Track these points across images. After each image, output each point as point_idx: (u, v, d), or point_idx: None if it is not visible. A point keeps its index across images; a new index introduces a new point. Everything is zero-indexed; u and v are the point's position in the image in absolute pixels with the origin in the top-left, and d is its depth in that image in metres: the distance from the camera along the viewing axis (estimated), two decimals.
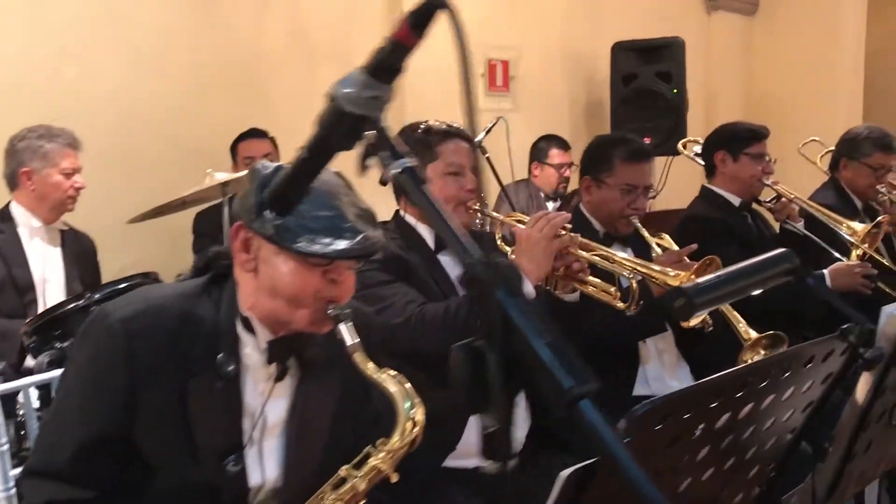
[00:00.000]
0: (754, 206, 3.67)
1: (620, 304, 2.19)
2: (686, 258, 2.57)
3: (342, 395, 1.73)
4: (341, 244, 1.55)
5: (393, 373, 1.60)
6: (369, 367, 1.58)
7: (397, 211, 2.51)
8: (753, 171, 3.50)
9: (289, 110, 4.76)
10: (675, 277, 2.23)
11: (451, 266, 2.40)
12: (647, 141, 6.00)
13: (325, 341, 1.67)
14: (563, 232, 2.27)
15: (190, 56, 4.36)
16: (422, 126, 2.46)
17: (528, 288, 2.12)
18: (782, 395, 1.27)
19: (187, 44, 4.35)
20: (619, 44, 6.13)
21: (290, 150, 4.71)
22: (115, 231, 3.78)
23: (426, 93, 5.27)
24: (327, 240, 1.54)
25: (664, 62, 6.07)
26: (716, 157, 3.57)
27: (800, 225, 3.62)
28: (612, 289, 2.23)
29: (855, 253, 3.46)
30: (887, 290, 3.48)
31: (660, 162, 6.32)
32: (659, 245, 2.81)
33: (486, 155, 4.21)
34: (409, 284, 2.27)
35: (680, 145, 4.47)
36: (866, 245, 3.43)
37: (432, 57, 5.25)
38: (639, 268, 2.28)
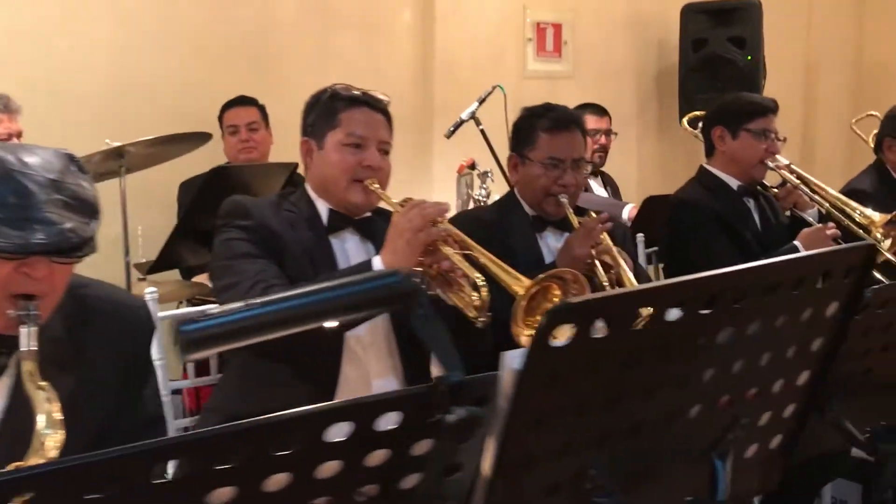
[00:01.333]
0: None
1: (472, 313, 1.87)
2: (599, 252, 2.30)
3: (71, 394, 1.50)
4: (29, 236, 1.39)
5: (46, 393, 1.39)
6: (31, 380, 1.39)
7: (300, 183, 2.33)
8: (755, 151, 3.02)
9: (302, 83, 4.56)
10: (520, 284, 1.88)
11: (344, 250, 2.15)
12: None
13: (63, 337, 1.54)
14: (440, 224, 1.96)
15: (193, 26, 4.23)
16: (328, 89, 2.22)
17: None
18: None
19: (190, 12, 4.22)
20: (689, 6, 5.59)
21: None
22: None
23: (456, 61, 4.99)
24: (13, 231, 1.38)
25: (737, 25, 5.49)
26: (713, 133, 3.12)
27: (812, 212, 3.15)
28: (475, 295, 1.89)
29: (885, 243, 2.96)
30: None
31: None
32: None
33: (480, 127, 3.87)
34: (278, 263, 2.04)
35: (685, 121, 4.00)
36: (889, 239, 2.92)
37: (464, 25, 4.91)
38: (493, 269, 1.93)
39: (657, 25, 5.83)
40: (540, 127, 2.55)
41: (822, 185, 3.12)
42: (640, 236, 3.27)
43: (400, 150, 5.01)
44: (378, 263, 1.90)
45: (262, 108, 3.96)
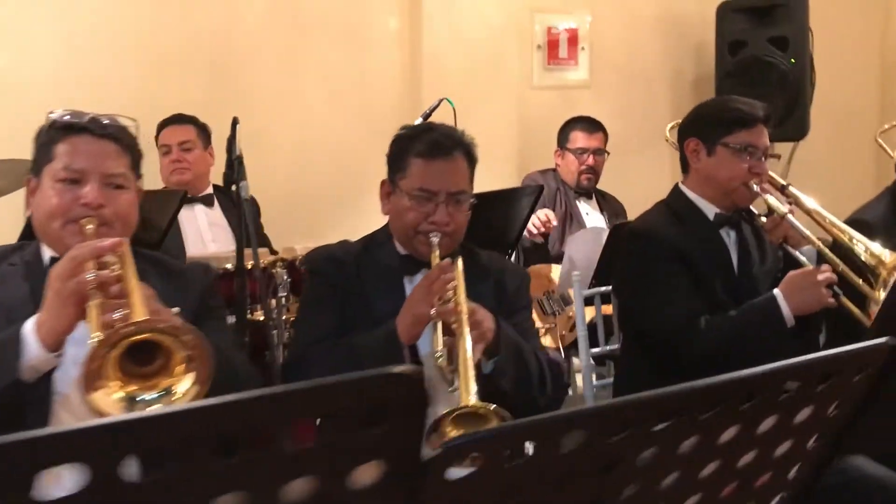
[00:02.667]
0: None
1: None
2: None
3: None
4: None
5: None
6: None
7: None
8: (734, 170, 2.42)
9: (274, 96, 4.26)
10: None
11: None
12: None
13: None
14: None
15: (147, 33, 3.97)
16: (49, 118, 1.87)
17: None
18: None
19: (143, 19, 3.96)
20: (726, 3, 5.00)
21: (272, 136, 4.25)
22: None
23: (447, 71, 4.55)
24: None
25: (779, 25, 4.86)
26: (687, 146, 2.52)
27: (808, 250, 2.54)
28: None
29: (878, 292, 2.37)
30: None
31: (781, 150, 5.15)
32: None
33: None
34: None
35: (667, 129, 3.40)
36: None
37: (455, 30, 4.46)
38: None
39: (692, 26, 5.24)
40: (413, 151, 2.09)
41: (825, 214, 2.51)
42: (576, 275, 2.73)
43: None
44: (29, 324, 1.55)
45: (202, 128, 3.64)
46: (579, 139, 4.04)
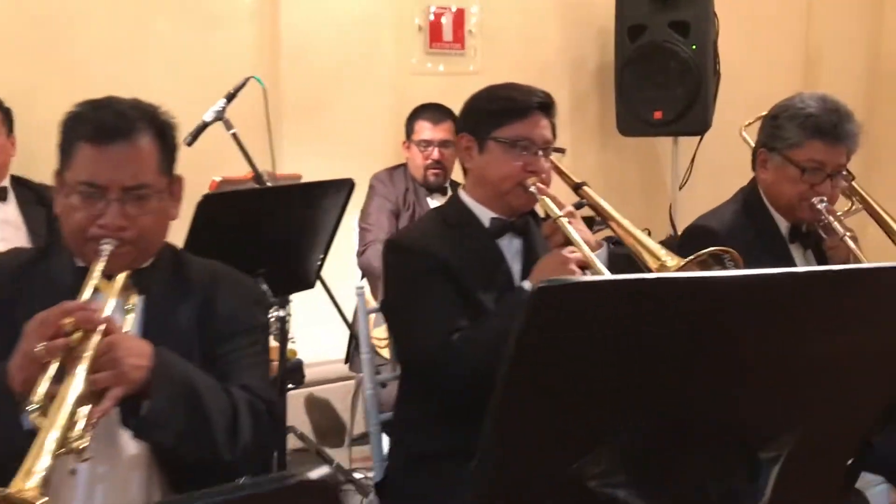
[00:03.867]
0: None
1: None
2: None
3: None
4: None
5: None
6: None
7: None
8: (505, 168, 2.06)
9: (110, 81, 3.83)
10: None
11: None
12: (657, 116, 4.56)
13: None
14: None
15: None
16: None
17: None
18: None
19: None
20: None
21: None
22: None
23: (312, 52, 4.16)
24: None
25: (681, 9, 4.49)
26: (459, 143, 2.17)
27: (600, 252, 2.17)
28: None
29: None
30: None
31: (683, 146, 4.80)
32: None
33: (232, 131, 3.01)
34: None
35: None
36: None
37: (320, 7, 3.98)
38: None
39: (594, 9, 4.86)
40: (78, 134, 1.65)
41: (618, 218, 2.14)
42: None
43: (241, 162, 4.19)
44: None
45: (5, 112, 3.23)
46: (424, 130, 3.66)
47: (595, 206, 2.20)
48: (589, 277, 1.25)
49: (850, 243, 2.23)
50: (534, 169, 2.05)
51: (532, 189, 2.03)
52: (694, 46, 4.44)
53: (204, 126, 2.93)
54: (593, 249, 1.99)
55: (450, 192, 3.71)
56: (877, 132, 4.77)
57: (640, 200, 5.03)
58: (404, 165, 3.75)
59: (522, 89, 2.12)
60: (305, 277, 2.71)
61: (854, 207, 2.56)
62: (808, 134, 2.24)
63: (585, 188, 2.22)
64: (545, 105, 2.11)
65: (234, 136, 2.93)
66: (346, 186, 2.68)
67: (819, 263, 2.34)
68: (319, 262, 2.78)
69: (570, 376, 0.91)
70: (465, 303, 2.00)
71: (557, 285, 0.88)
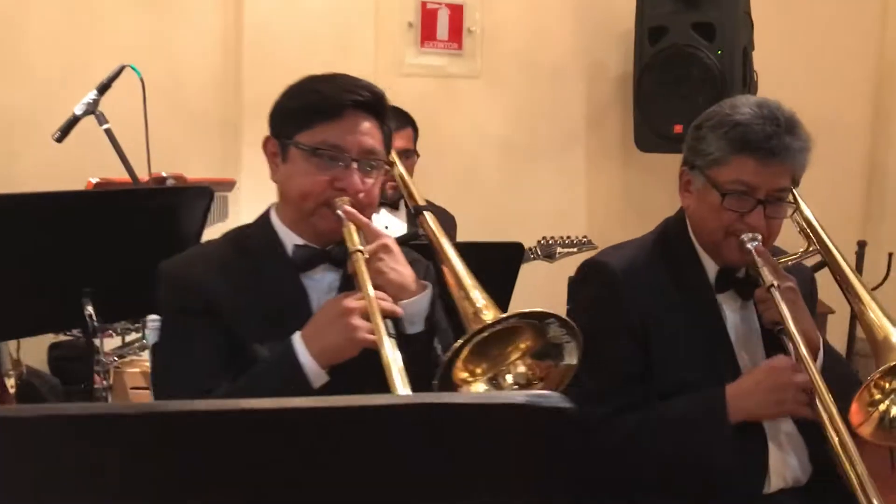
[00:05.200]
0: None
1: None
2: None
3: None
4: None
5: None
6: None
7: None
8: (306, 183, 1.62)
9: (57, 69, 3.61)
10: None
11: None
12: (677, 130, 4.01)
13: None
14: None
15: None
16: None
17: None
18: None
19: None
20: None
21: (47, 120, 3.58)
22: None
23: (276, 43, 3.82)
24: None
25: (705, 10, 3.93)
26: (265, 148, 1.70)
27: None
28: None
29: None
30: None
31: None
32: None
33: (105, 126, 2.64)
34: None
35: None
36: None
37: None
38: None
39: (613, 7, 4.33)
40: None
41: (451, 257, 1.66)
42: None
43: (200, 158, 3.88)
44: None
45: None
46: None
47: (431, 239, 1.74)
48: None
49: (778, 299, 1.68)
50: (343, 185, 1.60)
51: (340, 212, 1.59)
52: (720, 52, 3.87)
53: (75, 120, 2.62)
54: (409, 293, 1.55)
55: (404, 208, 3.29)
56: None
57: None
58: None
59: (339, 81, 1.65)
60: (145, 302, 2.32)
61: (811, 248, 1.97)
62: (734, 147, 1.71)
63: (425, 215, 1.76)
64: (368, 104, 1.64)
65: (108, 131, 2.59)
66: (205, 195, 2.29)
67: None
68: None
69: None
70: (237, 355, 1.58)
71: None
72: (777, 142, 1.69)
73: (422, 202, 1.82)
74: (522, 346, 1.49)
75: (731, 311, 1.81)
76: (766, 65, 4.11)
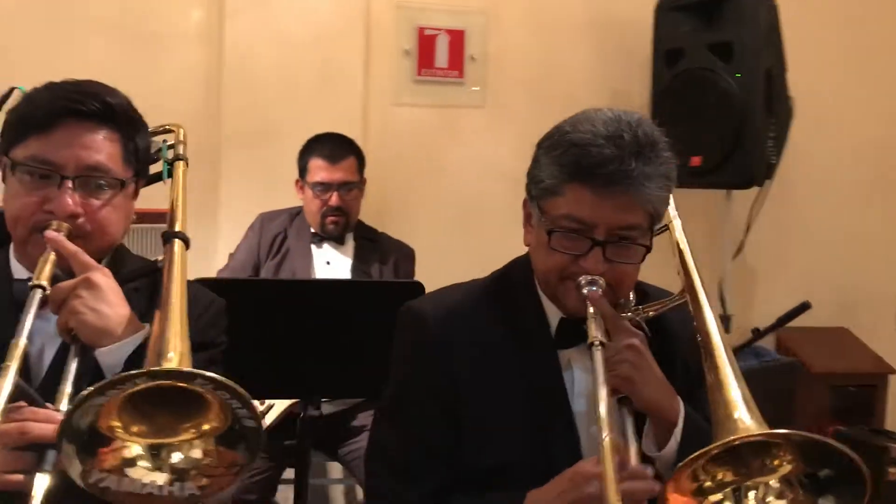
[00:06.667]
0: None
1: None
2: None
3: None
4: None
5: None
6: None
7: None
8: (18, 208, 1.41)
9: None
10: None
11: None
12: (694, 163, 3.64)
13: None
14: None
15: None
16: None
17: None
18: None
19: None
20: (664, 2, 3.74)
21: None
22: None
23: (257, 75, 3.66)
24: None
25: (724, 28, 3.54)
26: None
27: None
28: None
29: None
30: None
31: (738, 201, 3.80)
32: None
33: None
34: None
35: None
36: None
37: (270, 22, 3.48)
38: None
39: (630, 29, 3.99)
40: None
41: (174, 302, 1.38)
42: None
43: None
44: None
45: None
46: (319, 170, 2.98)
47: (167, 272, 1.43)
48: None
49: (597, 360, 1.31)
50: (51, 207, 1.37)
51: (51, 235, 1.36)
52: (738, 74, 3.47)
53: None
54: (112, 338, 1.29)
55: (353, 241, 3.05)
56: None
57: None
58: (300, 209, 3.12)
59: (59, 89, 1.43)
60: None
61: (679, 297, 1.55)
62: (565, 174, 1.39)
63: (176, 242, 1.45)
64: (94, 114, 1.40)
65: None
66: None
67: None
68: None
69: None
70: None
71: None
72: (617, 167, 1.34)
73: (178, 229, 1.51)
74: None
75: (583, 372, 1.45)
76: (806, 87, 3.69)
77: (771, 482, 1.12)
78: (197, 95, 3.68)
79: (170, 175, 1.60)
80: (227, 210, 3.62)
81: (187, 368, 1.09)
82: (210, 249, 3.61)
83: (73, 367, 1.25)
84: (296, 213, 3.09)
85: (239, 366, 2.08)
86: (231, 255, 3.18)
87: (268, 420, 2.53)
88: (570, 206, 1.38)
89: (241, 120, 3.63)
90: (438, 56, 3.85)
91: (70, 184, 1.37)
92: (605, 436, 1.19)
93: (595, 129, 1.38)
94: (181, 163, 1.62)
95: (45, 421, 1.13)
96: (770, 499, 1.13)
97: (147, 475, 1.11)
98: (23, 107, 1.42)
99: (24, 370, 1.25)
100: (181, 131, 1.73)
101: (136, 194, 1.53)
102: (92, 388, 1.03)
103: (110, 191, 1.41)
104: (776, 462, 1.12)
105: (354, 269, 2.96)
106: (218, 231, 3.63)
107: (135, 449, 1.11)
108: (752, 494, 1.13)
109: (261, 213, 3.15)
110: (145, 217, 3.14)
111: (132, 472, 1.11)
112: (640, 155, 1.36)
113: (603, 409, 1.23)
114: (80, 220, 1.38)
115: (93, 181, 1.40)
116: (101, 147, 1.40)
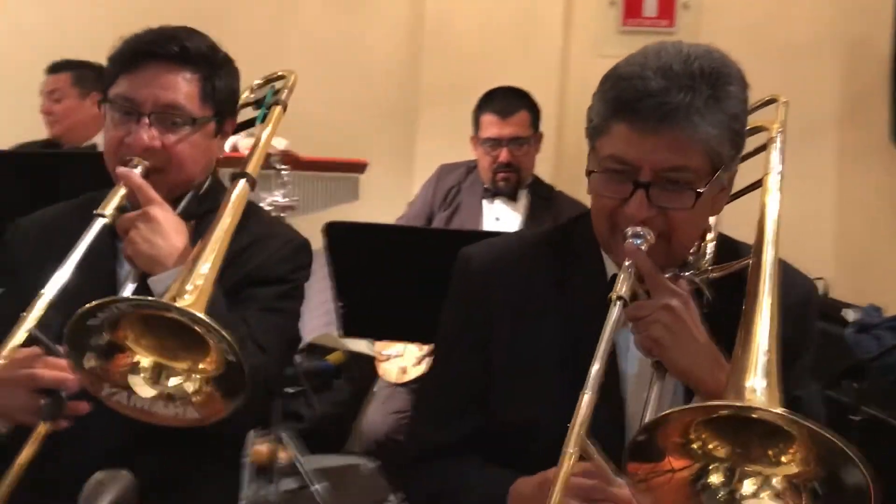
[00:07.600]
0: None
1: None
2: None
3: None
4: None
5: None
6: None
7: None
8: (108, 141, 1.52)
9: (255, 60, 3.79)
10: None
11: None
12: None
13: None
14: None
15: None
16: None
17: None
18: None
19: None
20: None
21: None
22: None
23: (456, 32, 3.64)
24: None
25: None
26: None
27: None
28: None
29: None
30: None
31: None
32: None
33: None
34: None
35: None
36: None
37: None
38: None
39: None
40: None
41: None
42: None
43: (378, 144, 3.93)
44: None
45: (78, 74, 3.35)
46: (490, 125, 2.90)
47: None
48: None
49: (613, 317, 1.14)
50: (129, 141, 1.47)
51: (121, 170, 1.44)
52: None
53: None
54: (161, 268, 1.37)
55: (527, 198, 2.97)
56: None
57: None
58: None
59: (147, 34, 1.53)
60: None
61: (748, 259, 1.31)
62: (608, 110, 1.24)
63: (240, 182, 1.45)
64: (174, 55, 1.49)
65: None
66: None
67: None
68: None
69: None
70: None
71: None
72: (657, 101, 1.17)
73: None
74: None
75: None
76: None
77: (774, 480, 0.94)
78: (399, 52, 3.75)
79: (264, 119, 1.63)
80: (422, 162, 3.67)
81: (164, 301, 1.18)
82: (406, 201, 3.69)
83: (128, 289, 1.38)
84: (473, 167, 3.07)
85: (376, 307, 2.12)
86: (409, 204, 3.22)
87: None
88: (614, 145, 1.24)
89: (439, 75, 3.66)
90: (647, 4, 3.63)
91: (147, 120, 1.47)
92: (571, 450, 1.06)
93: (645, 62, 1.21)
94: (278, 108, 1.64)
95: (57, 369, 1.22)
96: (763, 495, 0.95)
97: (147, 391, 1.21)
98: (118, 49, 1.53)
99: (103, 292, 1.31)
100: (292, 77, 1.75)
101: (223, 135, 1.58)
102: (83, 309, 1.15)
103: (186, 128, 1.49)
104: (784, 458, 0.94)
105: (524, 226, 2.89)
106: (412, 184, 3.70)
107: (144, 361, 1.21)
108: (748, 482, 0.96)
109: (441, 164, 3.16)
110: (342, 166, 3.26)
111: (138, 387, 1.20)
112: (692, 89, 1.18)
113: (594, 370, 1.09)
114: (156, 153, 1.47)
115: (168, 118, 1.48)
116: (179, 86, 1.49)
